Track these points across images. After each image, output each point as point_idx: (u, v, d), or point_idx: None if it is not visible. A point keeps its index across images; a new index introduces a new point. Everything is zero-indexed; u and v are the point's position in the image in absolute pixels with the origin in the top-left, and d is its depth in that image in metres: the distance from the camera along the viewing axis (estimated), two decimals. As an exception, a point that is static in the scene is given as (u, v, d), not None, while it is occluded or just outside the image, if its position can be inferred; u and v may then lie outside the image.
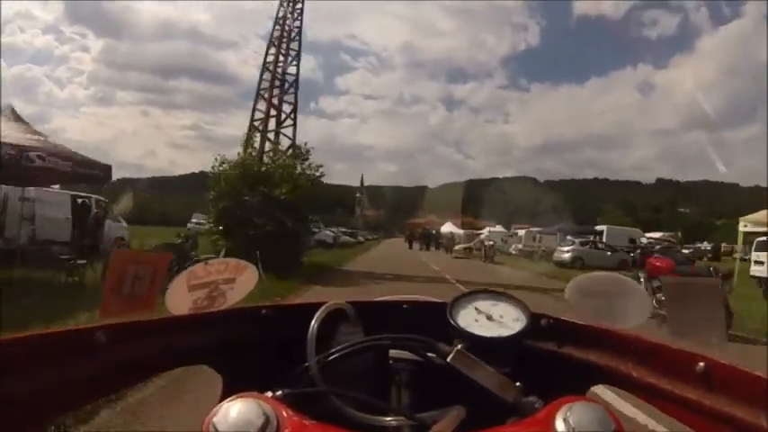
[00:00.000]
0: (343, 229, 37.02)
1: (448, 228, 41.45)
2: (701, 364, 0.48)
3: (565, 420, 0.38)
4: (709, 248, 33.33)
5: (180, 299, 0.76)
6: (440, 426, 0.45)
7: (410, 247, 31.82)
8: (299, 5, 17.18)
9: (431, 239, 33.71)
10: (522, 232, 30.57)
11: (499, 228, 38.69)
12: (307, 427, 0.39)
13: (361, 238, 41.68)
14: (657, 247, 13.09)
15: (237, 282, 0.82)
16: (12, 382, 0.41)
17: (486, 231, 34.61)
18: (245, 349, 0.67)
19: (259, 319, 0.70)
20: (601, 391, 0.62)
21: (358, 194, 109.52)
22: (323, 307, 0.62)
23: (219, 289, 0.80)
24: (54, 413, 0.47)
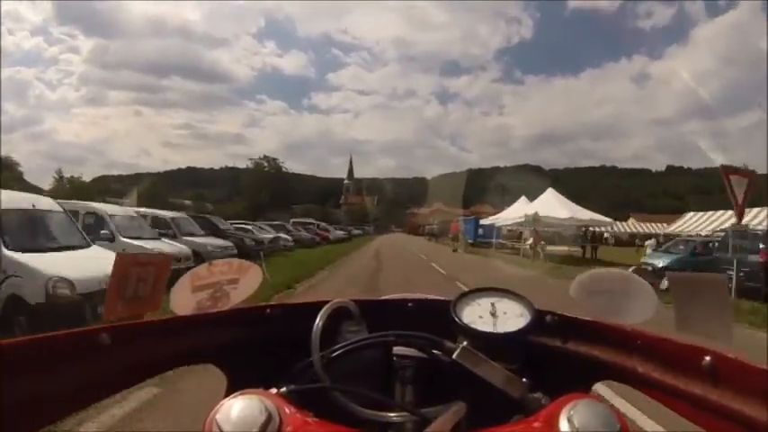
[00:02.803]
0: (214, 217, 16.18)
1: (517, 213, 20.56)
2: (707, 358, 0.47)
3: (569, 419, 0.38)
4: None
5: (184, 300, 0.76)
6: (439, 422, 0.45)
7: None
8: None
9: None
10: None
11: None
12: (309, 423, 0.39)
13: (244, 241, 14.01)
14: None
15: (241, 282, 0.82)
16: (17, 384, 0.42)
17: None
18: (249, 348, 0.67)
19: (263, 318, 0.70)
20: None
21: (346, 181, 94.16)
22: (327, 305, 0.62)
23: (223, 289, 0.80)
24: (60, 414, 0.47)
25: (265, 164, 68.06)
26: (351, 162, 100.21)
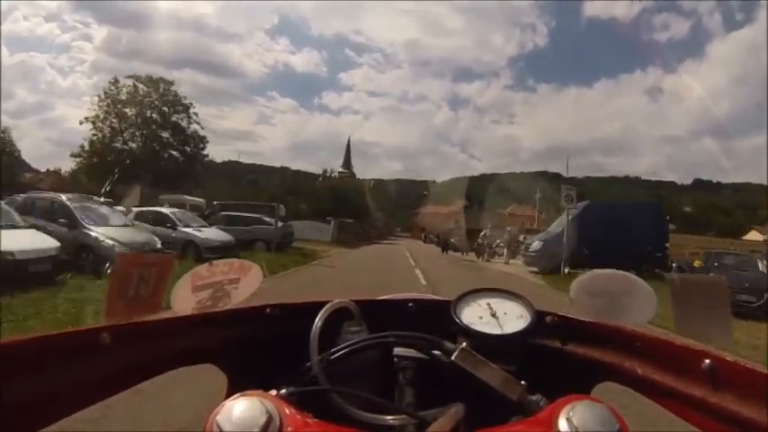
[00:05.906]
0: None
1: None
2: (707, 361, 0.47)
3: (568, 420, 0.38)
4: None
5: (184, 299, 0.76)
6: (438, 424, 0.45)
7: None
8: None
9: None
10: None
11: None
12: (309, 424, 0.39)
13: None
14: None
15: (242, 282, 0.82)
16: (17, 383, 0.42)
17: None
18: (249, 348, 0.67)
19: (263, 318, 0.71)
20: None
21: (340, 169, 71.65)
22: (327, 305, 0.62)
23: (224, 289, 0.80)
24: (61, 414, 0.47)
25: (143, 87, 30.01)
26: (348, 146, 76.69)
